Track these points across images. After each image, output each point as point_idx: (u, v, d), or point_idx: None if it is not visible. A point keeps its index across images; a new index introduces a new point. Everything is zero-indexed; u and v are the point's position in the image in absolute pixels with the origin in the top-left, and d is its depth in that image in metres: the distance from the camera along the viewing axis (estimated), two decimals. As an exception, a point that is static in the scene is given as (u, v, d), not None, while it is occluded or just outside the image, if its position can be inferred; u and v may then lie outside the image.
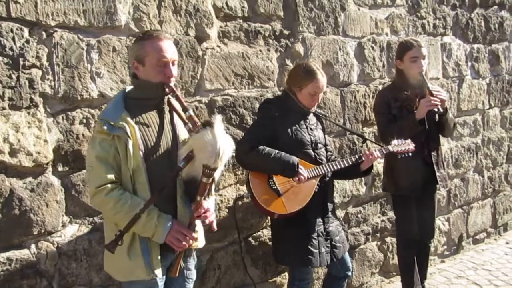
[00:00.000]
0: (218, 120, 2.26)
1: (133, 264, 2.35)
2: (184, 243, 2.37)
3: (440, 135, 3.95)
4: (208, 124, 2.25)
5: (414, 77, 3.72)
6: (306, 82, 3.20)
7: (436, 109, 3.64)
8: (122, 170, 2.33)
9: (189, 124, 2.39)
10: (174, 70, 2.43)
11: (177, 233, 2.36)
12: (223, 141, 2.24)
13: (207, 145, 2.21)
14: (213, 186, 2.53)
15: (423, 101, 3.62)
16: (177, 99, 2.43)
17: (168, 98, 2.47)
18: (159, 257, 2.40)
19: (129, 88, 2.52)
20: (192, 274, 2.64)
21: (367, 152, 3.36)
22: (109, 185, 2.29)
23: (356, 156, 3.38)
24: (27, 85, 2.66)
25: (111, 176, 2.30)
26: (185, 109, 2.39)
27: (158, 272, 2.38)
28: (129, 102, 2.41)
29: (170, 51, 2.40)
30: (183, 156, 2.30)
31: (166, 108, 2.47)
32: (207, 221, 2.47)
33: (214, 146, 2.21)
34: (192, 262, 2.63)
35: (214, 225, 2.52)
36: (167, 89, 2.40)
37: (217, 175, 2.36)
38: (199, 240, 2.56)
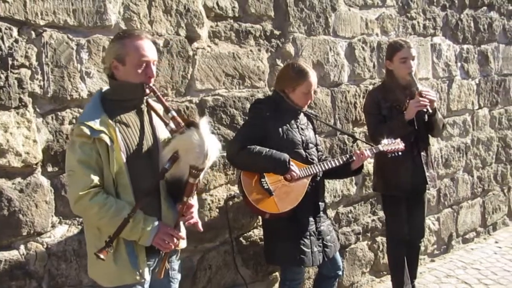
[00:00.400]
0: (204, 120, 2.25)
1: (119, 269, 2.31)
2: (171, 244, 2.35)
3: (430, 135, 3.97)
4: (192, 125, 2.24)
5: (403, 77, 3.74)
6: (299, 82, 3.20)
7: (425, 110, 3.66)
8: (104, 173, 2.28)
9: (171, 125, 2.36)
10: (154, 70, 2.40)
11: (164, 235, 2.33)
12: (211, 142, 2.24)
13: (194, 146, 2.19)
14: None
15: (412, 102, 3.63)
16: (159, 99, 2.37)
17: (146, 99, 2.44)
18: (145, 260, 2.37)
19: (105, 88, 2.47)
20: (177, 274, 2.61)
21: (358, 152, 3.37)
22: (93, 190, 2.24)
23: (347, 155, 3.39)
24: (16, 85, 2.64)
25: (94, 181, 2.25)
26: (167, 110, 2.35)
27: (146, 275, 2.35)
28: (107, 103, 2.35)
29: (151, 51, 2.37)
30: (167, 157, 2.27)
31: (145, 109, 2.44)
32: (192, 221, 2.45)
33: (202, 147, 2.20)
34: (176, 262, 2.61)
35: (200, 226, 2.50)
36: (147, 90, 2.36)
37: (201, 176, 2.35)
38: (182, 240, 2.52)
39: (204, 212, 3.47)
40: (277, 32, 3.81)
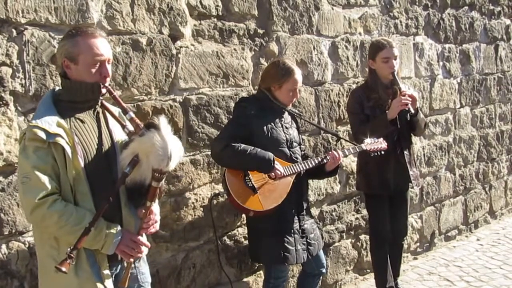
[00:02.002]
0: (163, 121, 2.13)
1: (81, 282, 2.16)
2: (136, 251, 2.25)
3: (412, 134, 4.00)
4: (152, 126, 2.13)
5: (386, 77, 3.77)
6: (285, 79, 3.22)
7: (407, 109, 3.69)
8: (61, 180, 2.14)
9: (128, 127, 2.27)
10: (109, 69, 2.26)
11: (129, 242, 2.23)
12: (173, 143, 2.13)
13: (157, 149, 2.08)
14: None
15: (395, 101, 3.66)
16: (115, 100, 2.24)
17: (101, 100, 2.30)
18: (108, 269, 2.24)
19: (57, 89, 2.33)
20: (147, 277, 2.48)
21: (333, 153, 3.38)
22: (50, 197, 2.09)
23: (323, 156, 3.40)
24: (-3, 83, 2.61)
25: (52, 187, 2.10)
26: (125, 111, 2.23)
27: (109, 284, 2.23)
28: (60, 105, 2.21)
29: (105, 49, 2.22)
30: (127, 161, 2.15)
31: (100, 111, 2.31)
32: (152, 230, 2.35)
33: (165, 149, 2.08)
34: (143, 265, 2.47)
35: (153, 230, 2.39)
36: (103, 90, 2.23)
37: (164, 179, 2.26)
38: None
39: (188, 211, 3.47)
40: (260, 31, 3.82)
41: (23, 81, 2.70)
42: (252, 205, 3.12)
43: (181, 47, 3.38)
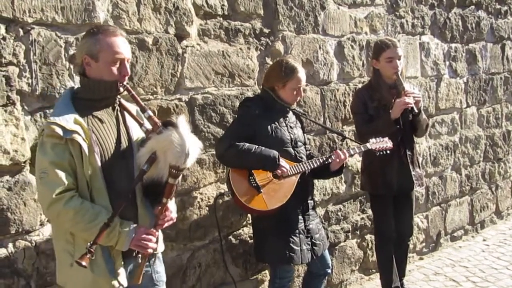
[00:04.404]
0: (182, 120, 2.17)
1: (95, 276, 2.20)
2: (150, 245, 2.27)
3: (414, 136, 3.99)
4: (170, 124, 2.16)
5: (389, 77, 3.75)
6: (289, 77, 3.22)
7: (410, 109, 3.68)
8: (78, 176, 2.18)
9: (146, 125, 2.30)
10: (129, 69, 2.30)
11: (142, 236, 2.25)
12: (191, 141, 2.17)
13: (175, 145, 2.12)
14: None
15: (398, 101, 3.64)
16: (134, 98, 2.29)
17: (119, 99, 2.35)
18: (122, 266, 2.28)
19: (76, 87, 2.38)
20: (161, 276, 2.52)
21: (338, 152, 3.37)
22: (67, 193, 2.13)
23: (328, 155, 3.40)
24: (4, 82, 2.62)
25: (69, 183, 2.14)
26: (143, 109, 2.27)
27: (123, 280, 2.27)
28: (79, 102, 2.25)
29: (125, 48, 2.27)
30: (144, 158, 2.19)
31: (118, 109, 2.36)
32: (166, 224, 2.38)
33: (183, 146, 2.12)
34: (159, 264, 2.52)
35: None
36: (121, 88, 2.27)
37: (180, 176, 2.29)
38: (159, 243, 2.45)
39: (193, 210, 3.47)
40: (266, 31, 3.82)
41: (30, 81, 2.72)
42: (257, 204, 3.12)
43: (187, 46, 3.38)
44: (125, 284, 2.29)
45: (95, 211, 2.17)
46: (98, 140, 2.23)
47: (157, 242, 2.36)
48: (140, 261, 2.33)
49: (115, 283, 2.24)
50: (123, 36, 2.29)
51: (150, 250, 2.30)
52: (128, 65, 2.29)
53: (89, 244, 2.10)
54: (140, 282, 2.32)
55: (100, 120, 2.28)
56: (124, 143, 2.33)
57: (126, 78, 2.29)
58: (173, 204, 2.45)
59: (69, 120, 2.15)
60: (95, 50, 2.21)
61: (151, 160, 2.18)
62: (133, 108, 2.41)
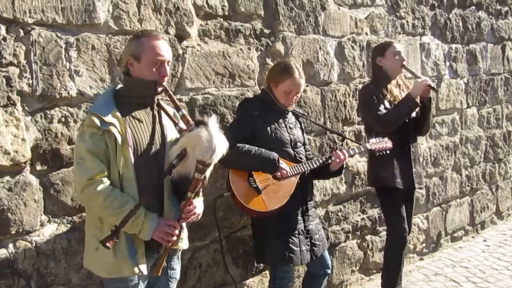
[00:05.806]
0: (212, 119, 2.29)
1: (118, 261, 2.34)
2: (172, 236, 2.37)
3: (417, 134, 3.98)
4: (201, 123, 2.28)
5: (395, 71, 3.81)
6: (282, 78, 3.21)
7: (432, 87, 3.70)
8: (110, 166, 2.33)
9: (180, 124, 2.42)
10: (169, 70, 2.46)
11: (165, 227, 2.36)
12: (219, 138, 2.28)
13: (203, 141, 2.23)
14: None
15: (417, 82, 3.71)
16: (170, 98, 2.45)
17: (158, 98, 2.49)
18: (144, 255, 2.40)
19: (119, 86, 2.53)
20: (176, 273, 2.64)
21: (339, 153, 3.36)
22: (100, 179, 2.28)
23: (327, 156, 3.39)
24: (4, 83, 2.62)
25: (102, 170, 2.29)
26: (178, 109, 2.42)
27: (143, 269, 2.38)
28: (119, 99, 2.41)
29: (167, 51, 2.43)
30: (175, 155, 2.32)
31: (155, 108, 2.49)
32: (190, 219, 2.48)
33: (210, 142, 2.23)
34: (176, 262, 2.64)
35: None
36: (159, 88, 2.42)
37: (208, 173, 2.38)
38: (184, 241, 2.58)
39: (193, 210, 3.47)
40: (267, 31, 3.82)
41: (30, 81, 2.72)
42: (257, 205, 3.13)
43: (187, 47, 3.39)
44: (145, 272, 2.40)
45: (123, 198, 2.30)
46: (133, 134, 2.38)
47: (179, 236, 2.46)
48: (161, 252, 2.44)
49: (135, 269, 2.36)
50: (165, 40, 2.47)
51: (172, 242, 2.40)
52: (168, 67, 2.45)
53: (114, 227, 2.26)
54: (160, 274, 2.43)
55: (139, 119, 2.43)
56: (158, 140, 2.47)
57: (166, 78, 2.44)
58: (200, 202, 2.56)
59: (108, 113, 2.31)
60: (138, 52, 2.39)
61: (181, 155, 2.31)
62: (170, 109, 2.55)
